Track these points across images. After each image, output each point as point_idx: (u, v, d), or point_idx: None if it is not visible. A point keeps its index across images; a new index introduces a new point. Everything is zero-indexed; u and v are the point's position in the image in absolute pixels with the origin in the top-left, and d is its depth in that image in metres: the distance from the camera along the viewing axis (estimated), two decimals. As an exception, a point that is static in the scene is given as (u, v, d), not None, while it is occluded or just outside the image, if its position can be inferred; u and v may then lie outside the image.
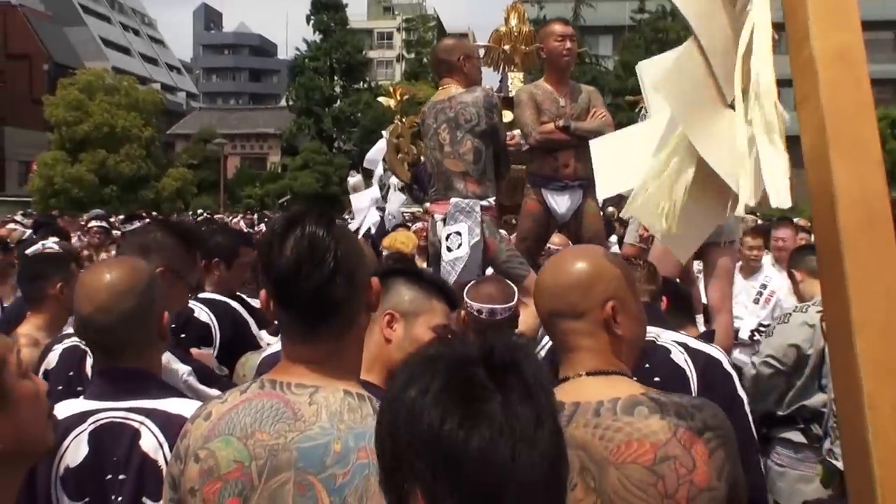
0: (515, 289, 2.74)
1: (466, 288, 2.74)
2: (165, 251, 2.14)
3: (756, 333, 4.51)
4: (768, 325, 4.41)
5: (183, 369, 2.00)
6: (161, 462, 1.56)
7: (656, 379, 2.00)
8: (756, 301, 4.86)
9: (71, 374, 2.16)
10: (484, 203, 3.57)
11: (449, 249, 3.47)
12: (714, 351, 2.24)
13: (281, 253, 1.30)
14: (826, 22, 1.03)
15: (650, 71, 1.47)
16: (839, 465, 2.59)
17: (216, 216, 23.06)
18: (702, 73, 1.16)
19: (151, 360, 1.73)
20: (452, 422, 0.84)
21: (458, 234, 3.45)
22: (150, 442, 1.59)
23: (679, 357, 2.16)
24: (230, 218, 17.52)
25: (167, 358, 1.90)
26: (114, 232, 8.64)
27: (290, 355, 1.36)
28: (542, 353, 2.30)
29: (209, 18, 79.68)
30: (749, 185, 1.11)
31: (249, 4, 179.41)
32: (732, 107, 1.16)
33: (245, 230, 9.31)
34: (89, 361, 2.08)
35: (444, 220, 3.56)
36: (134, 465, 1.57)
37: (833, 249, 1.00)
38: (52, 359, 2.23)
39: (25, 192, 33.28)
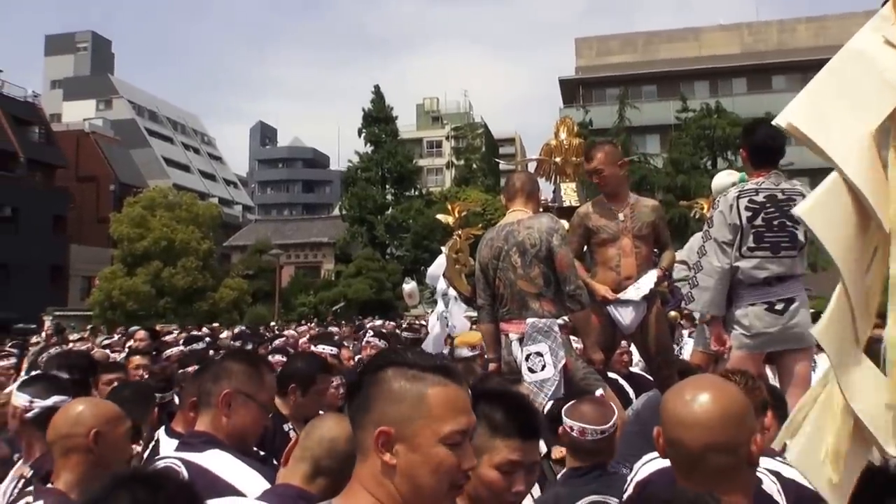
0: (616, 413, 2.69)
1: (566, 406, 2.75)
2: (233, 376, 2.33)
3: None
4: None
5: None
6: None
7: None
8: None
9: None
10: (559, 322, 3.61)
11: (531, 370, 3.49)
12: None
13: None
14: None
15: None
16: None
17: (272, 324, 23.20)
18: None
19: None
20: None
21: (540, 354, 3.48)
22: None
23: (771, 487, 2.01)
24: (293, 328, 17.31)
25: None
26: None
27: None
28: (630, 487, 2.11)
29: (265, 135, 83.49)
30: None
31: (304, 120, 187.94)
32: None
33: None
34: None
35: (520, 340, 3.59)
36: None
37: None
38: None
39: (85, 305, 34.38)
